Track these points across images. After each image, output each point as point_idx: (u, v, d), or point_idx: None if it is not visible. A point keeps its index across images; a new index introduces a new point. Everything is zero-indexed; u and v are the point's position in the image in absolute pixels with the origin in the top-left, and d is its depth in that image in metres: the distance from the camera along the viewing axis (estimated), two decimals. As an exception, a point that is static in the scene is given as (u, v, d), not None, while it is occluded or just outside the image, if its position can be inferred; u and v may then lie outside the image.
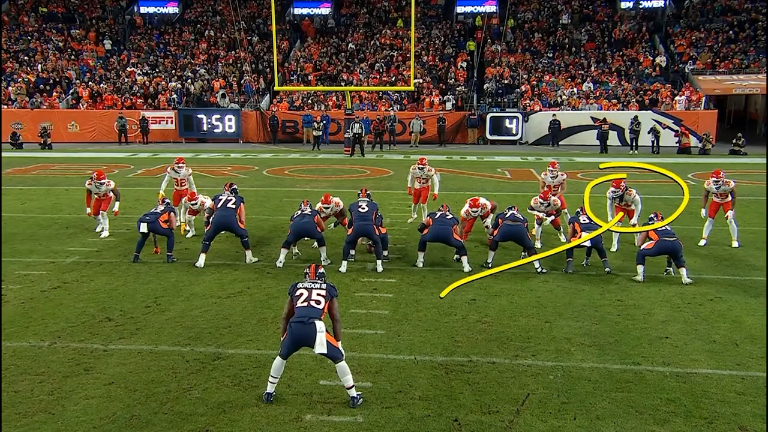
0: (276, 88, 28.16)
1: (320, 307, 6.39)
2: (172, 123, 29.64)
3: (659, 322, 8.51)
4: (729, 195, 12.41)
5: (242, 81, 32.38)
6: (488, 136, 30.58)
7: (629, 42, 34.81)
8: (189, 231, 12.80)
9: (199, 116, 29.75)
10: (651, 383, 6.81)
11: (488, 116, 30.64)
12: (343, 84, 31.44)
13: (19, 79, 31.65)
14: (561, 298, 9.46)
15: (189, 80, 32.33)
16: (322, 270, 6.80)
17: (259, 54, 34.60)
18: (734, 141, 27.26)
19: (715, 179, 12.42)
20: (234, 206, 11.09)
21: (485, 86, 32.65)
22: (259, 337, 7.92)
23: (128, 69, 33.08)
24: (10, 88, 31.01)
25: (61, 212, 14.68)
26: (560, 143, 29.76)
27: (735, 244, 12.22)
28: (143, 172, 20.58)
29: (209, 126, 29.74)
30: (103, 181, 12.50)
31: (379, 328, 8.25)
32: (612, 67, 33.22)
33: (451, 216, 11.11)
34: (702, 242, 12.38)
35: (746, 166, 23.24)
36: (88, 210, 12.79)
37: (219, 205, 11.08)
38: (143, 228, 10.80)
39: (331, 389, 6.64)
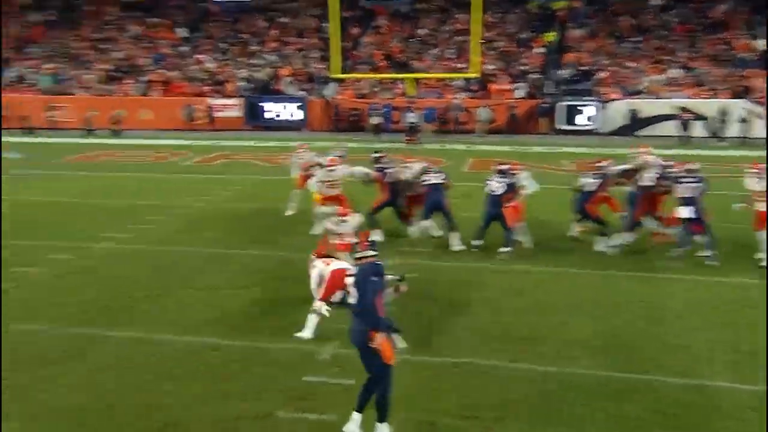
0: (334, 75, 28.10)
1: None
2: (238, 110, 30.14)
3: (685, 328, 7.88)
4: None
5: (310, 68, 32.55)
6: (560, 126, 29.46)
7: (725, 24, 32.44)
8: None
9: (264, 104, 30.09)
10: (658, 395, 6.29)
11: (561, 105, 29.50)
12: (412, 71, 31.03)
13: (96, 67, 33.03)
14: (585, 296, 8.99)
15: (257, 67, 32.78)
16: None
17: (329, 40, 34.52)
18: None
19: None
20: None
21: (560, 73, 31.47)
22: (260, 328, 7.81)
23: (199, 57, 33.84)
24: (88, 75, 32.42)
25: (110, 198, 15.09)
26: (638, 134, 28.28)
27: None
28: (200, 160, 20.99)
29: (274, 114, 30.02)
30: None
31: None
32: (704, 52, 31.13)
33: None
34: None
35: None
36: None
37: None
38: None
39: (313, 386, 6.48)
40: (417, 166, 12.08)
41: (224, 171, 18.90)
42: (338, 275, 7.50)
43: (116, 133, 28.02)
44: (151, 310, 8.44)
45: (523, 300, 8.85)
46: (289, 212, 13.36)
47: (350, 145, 25.59)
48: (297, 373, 6.76)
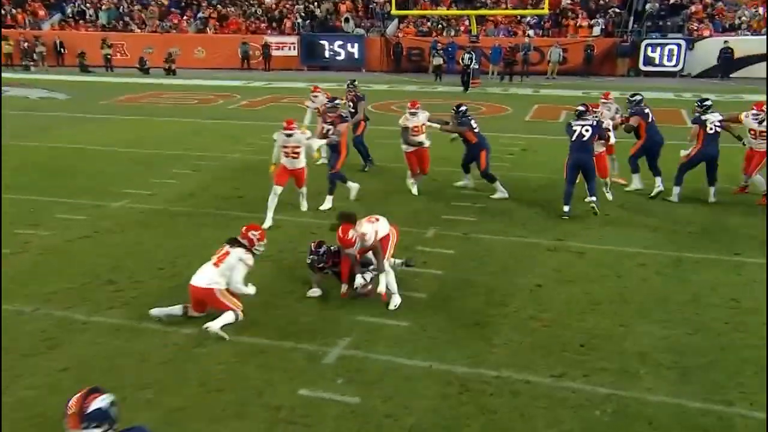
0: (393, 12, 26.32)
1: None
2: (294, 49, 28.85)
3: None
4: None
5: (371, 3, 30.75)
6: (642, 67, 26.98)
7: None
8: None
9: (321, 42, 28.72)
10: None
11: (644, 43, 26.93)
12: (478, 7, 28.85)
13: (152, 2, 32.18)
14: (655, 291, 7.41)
15: (316, 2, 31.22)
16: None
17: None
18: None
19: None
20: None
21: (646, 6, 28.57)
22: (266, 320, 6.70)
23: (257, -10, 32.61)
24: (143, 13, 31.66)
25: (141, 147, 14.24)
26: (732, 76, 25.53)
27: None
28: (247, 104, 19.92)
29: (331, 53, 28.65)
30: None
31: (405, 319, 6.75)
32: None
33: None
34: None
35: None
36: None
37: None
38: None
39: (309, 403, 5.35)
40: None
41: (269, 117, 17.74)
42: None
43: (170, 72, 27.32)
44: (145, 290, 7.39)
45: (575, 291, 7.40)
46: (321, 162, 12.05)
47: (408, 88, 24.19)
48: (293, 382, 5.63)
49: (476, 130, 10.64)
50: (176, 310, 6.62)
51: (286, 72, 27.36)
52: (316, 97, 12.45)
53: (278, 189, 9.32)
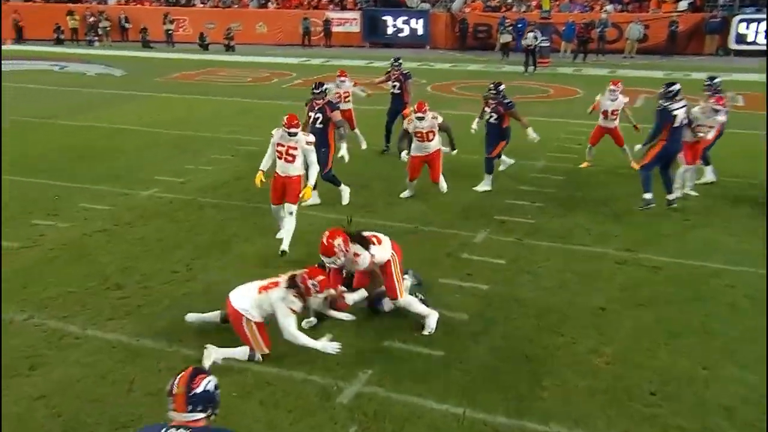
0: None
1: None
2: (356, 25, 27.79)
3: None
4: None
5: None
6: (733, 46, 24.71)
7: None
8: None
9: (384, 18, 27.54)
10: None
11: (736, 18, 24.63)
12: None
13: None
14: (746, 321, 6.14)
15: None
16: None
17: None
18: None
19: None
20: None
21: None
22: (277, 341, 5.83)
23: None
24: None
25: (184, 128, 13.59)
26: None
27: None
28: (302, 82, 19.04)
29: (394, 29, 27.44)
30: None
31: (439, 346, 5.74)
32: None
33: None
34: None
35: None
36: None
37: None
38: None
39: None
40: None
41: (321, 97, 16.85)
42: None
43: (229, 48, 26.79)
44: (153, 298, 6.59)
45: (647, 318, 6.20)
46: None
47: (472, 67, 22.86)
48: (297, 426, 4.74)
49: None
50: (213, 316, 5.87)
51: (346, 49, 26.41)
52: (342, 82, 11.50)
53: (276, 208, 7.79)
